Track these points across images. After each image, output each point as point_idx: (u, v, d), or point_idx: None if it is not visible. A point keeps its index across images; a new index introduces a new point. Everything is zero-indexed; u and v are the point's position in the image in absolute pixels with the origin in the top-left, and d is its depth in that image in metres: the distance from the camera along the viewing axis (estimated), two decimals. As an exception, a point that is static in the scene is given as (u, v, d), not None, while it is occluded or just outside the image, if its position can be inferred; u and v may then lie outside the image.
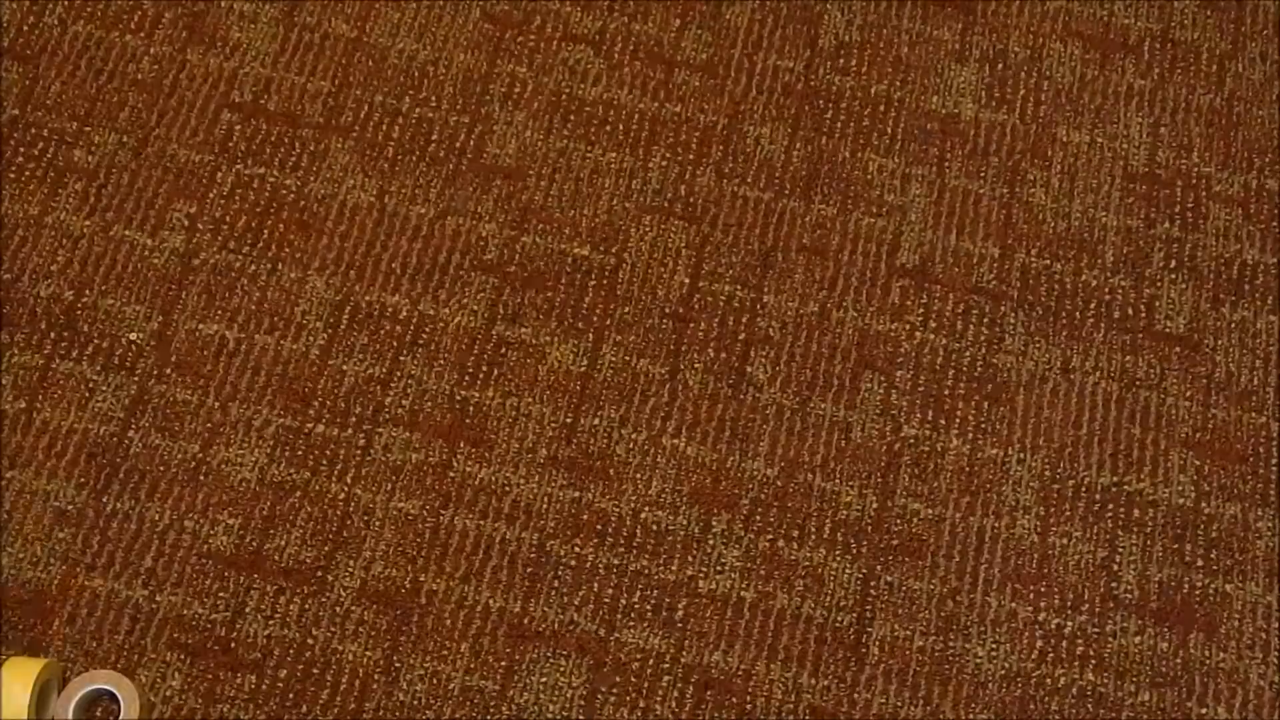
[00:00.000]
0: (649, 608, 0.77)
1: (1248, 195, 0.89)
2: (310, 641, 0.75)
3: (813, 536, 0.79)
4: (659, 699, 0.75)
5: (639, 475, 0.80)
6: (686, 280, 0.85)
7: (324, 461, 0.79)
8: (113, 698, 0.72)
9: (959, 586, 0.78)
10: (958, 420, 0.82)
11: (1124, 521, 0.80)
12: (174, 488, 0.78)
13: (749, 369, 0.83)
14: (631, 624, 0.77)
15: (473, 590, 0.77)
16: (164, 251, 0.84)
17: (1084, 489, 0.81)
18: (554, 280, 0.85)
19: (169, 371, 0.81)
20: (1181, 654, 0.77)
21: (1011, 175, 0.89)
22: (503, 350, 0.83)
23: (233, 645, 0.75)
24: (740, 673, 0.76)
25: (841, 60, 0.92)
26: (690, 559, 0.78)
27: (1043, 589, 0.78)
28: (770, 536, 0.79)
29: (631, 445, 0.81)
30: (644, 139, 0.89)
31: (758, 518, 0.79)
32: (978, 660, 0.77)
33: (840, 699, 0.75)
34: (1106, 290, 0.86)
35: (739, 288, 0.85)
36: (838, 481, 0.80)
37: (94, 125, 0.88)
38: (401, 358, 0.82)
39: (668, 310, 0.85)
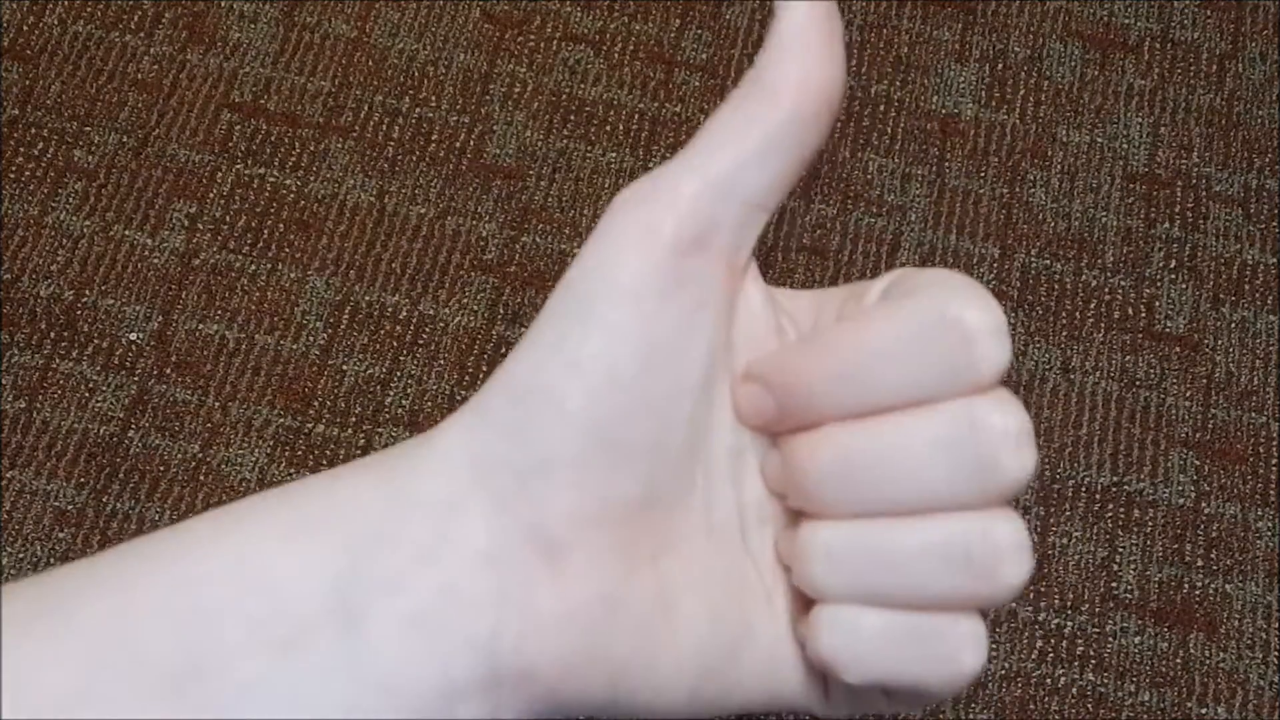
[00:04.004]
0: (649, 608, 0.77)
1: (1248, 195, 0.89)
2: (310, 641, 0.75)
3: (813, 536, 0.79)
4: (659, 699, 0.75)
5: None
6: (686, 280, 0.85)
7: (324, 461, 0.80)
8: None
9: (959, 586, 0.78)
10: (958, 420, 0.82)
11: (1124, 521, 0.80)
12: (174, 488, 0.78)
13: (749, 369, 0.83)
14: (631, 624, 0.77)
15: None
16: (164, 251, 0.84)
17: (1084, 489, 0.81)
18: (554, 280, 0.85)
19: (169, 371, 0.81)
20: (1181, 654, 0.77)
21: (1011, 175, 0.89)
22: (503, 350, 0.83)
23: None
24: (740, 673, 0.76)
25: (841, 60, 0.92)
26: (690, 559, 0.78)
27: (1043, 589, 0.78)
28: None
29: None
30: (644, 139, 0.89)
31: (758, 518, 0.79)
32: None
33: (840, 699, 0.75)
34: (1106, 290, 0.86)
35: (739, 288, 0.85)
36: (838, 481, 0.80)
37: (94, 125, 0.88)
38: (401, 358, 0.82)
39: (668, 310, 0.85)
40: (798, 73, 0.24)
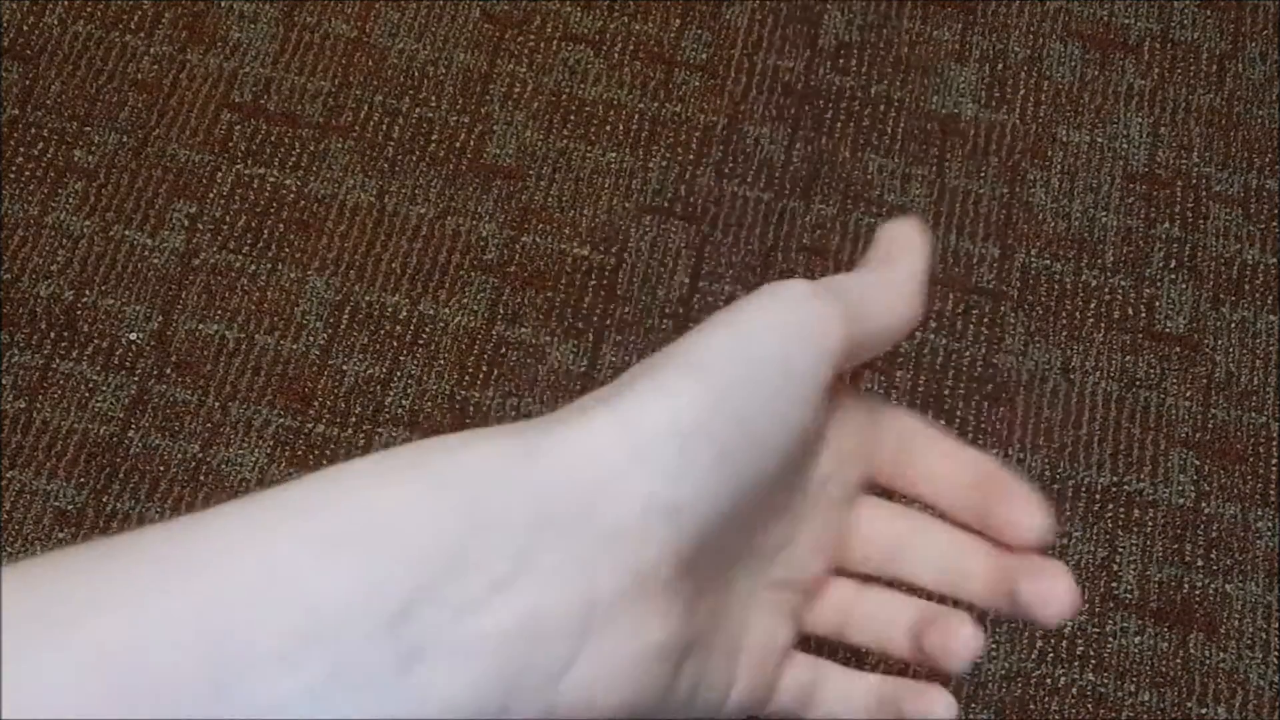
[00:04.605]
0: (649, 608, 0.77)
1: (1248, 195, 0.89)
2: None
3: (813, 536, 0.79)
4: (659, 699, 0.75)
5: None
6: (686, 280, 0.85)
7: (324, 461, 0.80)
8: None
9: (959, 586, 0.78)
10: (958, 420, 0.82)
11: (1124, 521, 0.80)
12: (174, 488, 0.78)
13: (749, 369, 0.83)
14: (631, 624, 0.76)
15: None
16: (164, 251, 0.85)
17: (1084, 489, 0.81)
18: (554, 280, 0.85)
19: (169, 371, 0.81)
20: (1181, 654, 0.77)
21: (1011, 175, 0.89)
22: (503, 350, 0.83)
23: (233, 645, 0.75)
24: (740, 673, 0.76)
25: (841, 60, 0.92)
26: (690, 559, 0.78)
27: (1043, 589, 0.78)
28: (770, 536, 0.79)
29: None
30: (644, 139, 0.89)
31: (758, 518, 0.79)
32: (977, 660, 0.77)
33: (840, 699, 0.75)
34: (1106, 290, 0.86)
35: (739, 288, 0.85)
36: (838, 481, 0.80)
37: (94, 125, 0.88)
38: (401, 358, 0.82)
39: (668, 310, 0.85)
40: (918, 313, 0.29)
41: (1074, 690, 0.76)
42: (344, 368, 0.82)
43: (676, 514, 0.21)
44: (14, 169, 0.86)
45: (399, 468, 0.22)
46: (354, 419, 0.81)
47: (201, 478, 0.79)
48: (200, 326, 0.83)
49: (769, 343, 0.23)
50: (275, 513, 0.21)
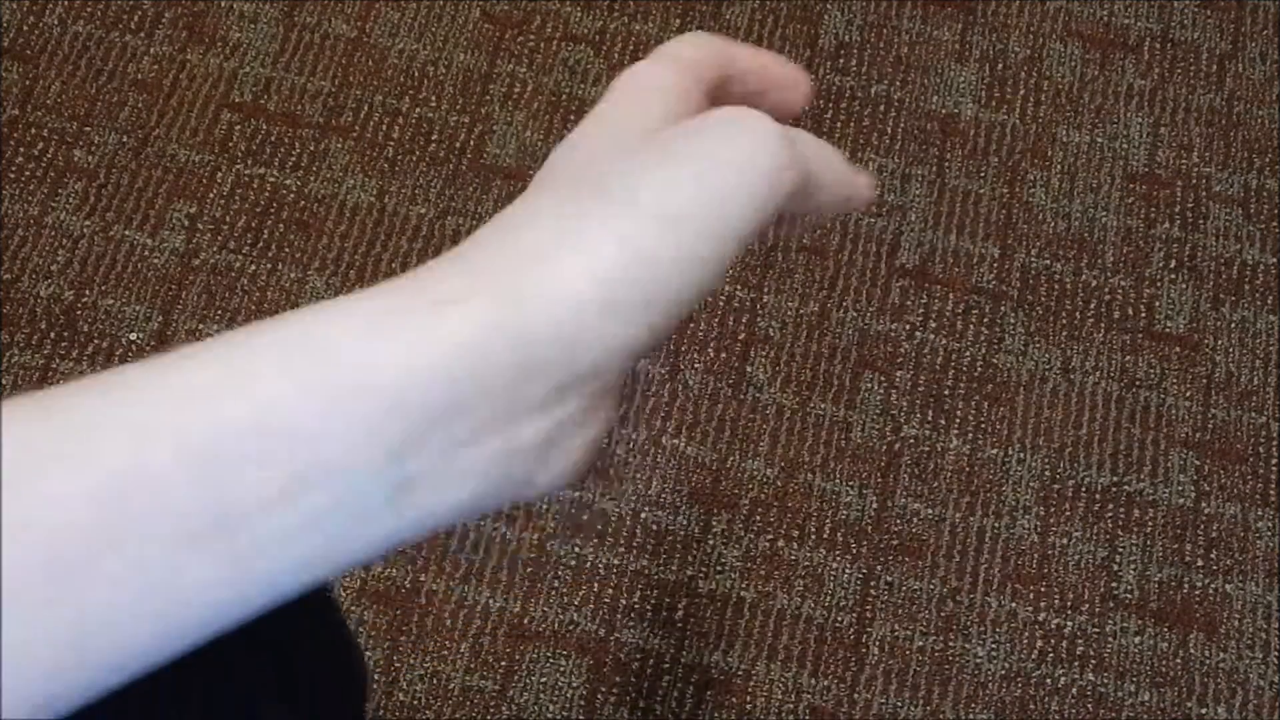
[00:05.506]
0: (649, 608, 0.77)
1: (1248, 195, 0.89)
2: (310, 641, 0.75)
3: (813, 536, 0.79)
4: (659, 699, 0.75)
5: (639, 475, 0.80)
6: (686, 280, 0.85)
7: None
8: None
9: (959, 586, 0.78)
10: (958, 420, 0.82)
11: (1124, 521, 0.80)
12: (174, 488, 0.78)
13: (749, 369, 0.83)
14: (631, 624, 0.77)
15: (472, 590, 0.77)
16: (164, 251, 0.84)
17: (1084, 489, 0.81)
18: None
19: (169, 371, 0.81)
20: (1181, 654, 0.77)
21: (1011, 175, 0.89)
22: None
23: (233, 645, 0.75)
24: (740, 673, 0.76)
25: (841, 60, 0.92)
26: (690, 559, 0.78)
27: (1043, 589, 0.78)
28: (770, 536, 0.79)
29: (632, 445, 0.81)
30: (644, 139, 0.89)
31: (758, 518, 0.79)
32: (978, 660, 0.77)
33: (840, 699, 0.75)
34: (1106, 290, 0.86)
35: (739, 288, 0.85)
36: (838, 481, 0.80)
37: (94, 125, 0.88)
38: (401, 358, 0.82)
39: (668, 310, 0.85)
40: (864, 191, 0.29)
41: (1074, 690, 0.76)
42: (344, 368, 0.82)
43: (635, 348, 0.24)
44: (14, 169, 0.86)
45: (393, 320, 0.23)
46: (354, 419, 0.81)
47: (201, 478, 0.79)
48: (200, 326, 0.83)
49: (728, 183, 0.25)
50: (268, 351, 0.22)
